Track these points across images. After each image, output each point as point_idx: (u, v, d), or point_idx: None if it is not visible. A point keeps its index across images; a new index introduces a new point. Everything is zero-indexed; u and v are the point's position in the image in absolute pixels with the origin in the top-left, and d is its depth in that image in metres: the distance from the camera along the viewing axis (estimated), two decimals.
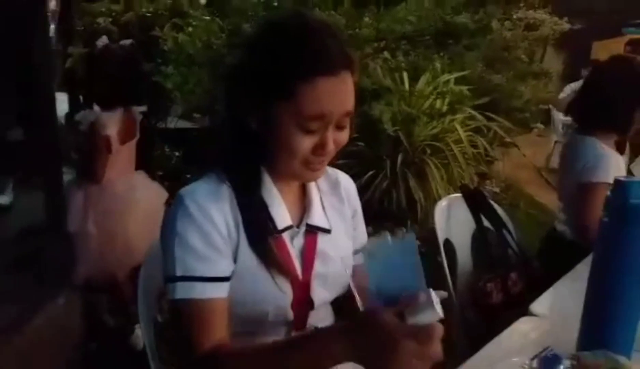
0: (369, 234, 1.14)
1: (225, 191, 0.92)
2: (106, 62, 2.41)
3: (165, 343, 1.28)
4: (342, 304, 1.06)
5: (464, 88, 3.65)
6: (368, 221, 1.14)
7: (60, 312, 2.06)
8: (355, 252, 1.10)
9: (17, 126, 2.13)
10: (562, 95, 6.34)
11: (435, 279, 1.21)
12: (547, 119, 5.79)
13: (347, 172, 1.13)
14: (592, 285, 0.98)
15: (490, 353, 1.03)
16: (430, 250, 1.72)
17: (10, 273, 2.03)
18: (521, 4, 5.31)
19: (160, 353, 1.19)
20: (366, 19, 3.76)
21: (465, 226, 1.72)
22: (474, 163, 3.68)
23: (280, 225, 0.94)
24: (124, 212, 2.33)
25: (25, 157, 2.14)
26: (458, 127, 3.48)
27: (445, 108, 3.53)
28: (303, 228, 0.98)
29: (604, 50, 7.88)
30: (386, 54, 3.69)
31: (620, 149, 1.90)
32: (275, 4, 3.83)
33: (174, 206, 0.90)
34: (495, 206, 1.78)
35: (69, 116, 3.53)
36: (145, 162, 2.59)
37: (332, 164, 0.98)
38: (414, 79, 3.59)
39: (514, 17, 5.01)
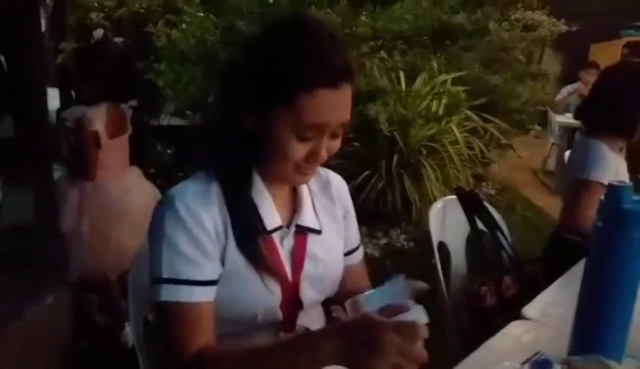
0: (363, 235, 1.13)
1: (214, 191, 0.91)
2: (102, 54, 2.39)
3: (155, 343, 1.27)
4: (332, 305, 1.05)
5: (461, 89, 3.65)
6: (363, 221, 1.13)
7: (50, 310, 2.05)
8: (348, 252, 1.09)
9: (7, 121, 2.11)
10: (558, 97, 6.35)
11: (429, 282, 1.21)
12: (544, 121, 5.79)
13: (342, 172, 1.13)
14: (584, 289, 0.97)
15: (482, 357, 1.03)
16: (425, 252, 1.72)
17: None
18: (519, 5, 5.31)
19: (150, 352, 1.18)
20: (362, 18, 3.75)
21: (460, 229, 1.71)
22: (470, 165, 3.68)
23: (270, 226, 0.93)
24: (118, 214, 2.31)
25: (16, 154, 2.11)
26: (454, 128, 3.48)
27: (441, 111, 3.53)
28: (293, 229, 0.97)
29: (601, 52, 7.92)
30: (383, 53, 3.68)
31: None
32: (271, 1, 3.81)
33: (162, 206, 0.89)
34: (491, 208, 1.77)
35: (60, 112, 3.51)
36: (138, 157, 2.58)
37: (327, 164, 0.97)
38: (410, 79, 3.59)
39: (512, 17, 5.02)
